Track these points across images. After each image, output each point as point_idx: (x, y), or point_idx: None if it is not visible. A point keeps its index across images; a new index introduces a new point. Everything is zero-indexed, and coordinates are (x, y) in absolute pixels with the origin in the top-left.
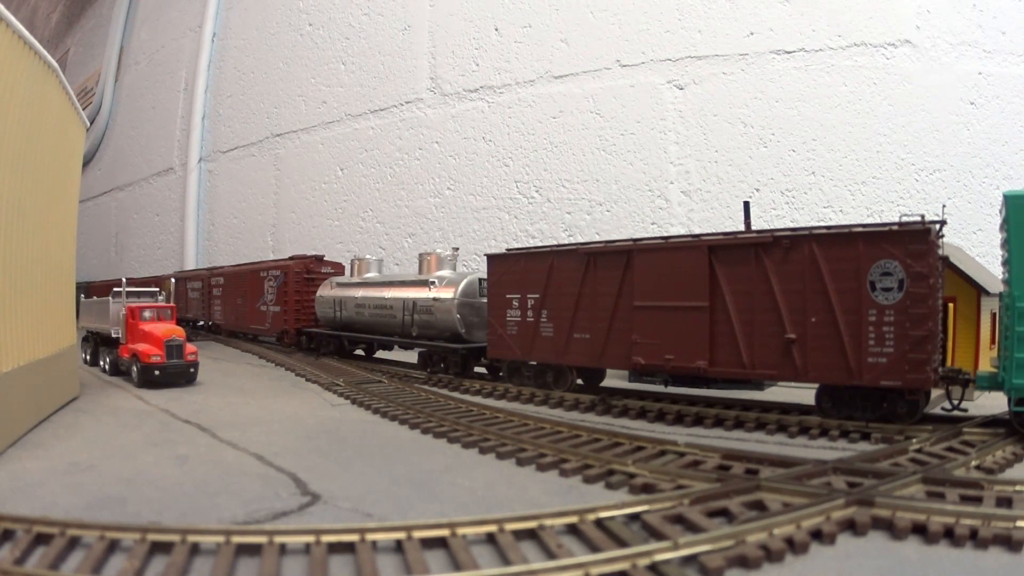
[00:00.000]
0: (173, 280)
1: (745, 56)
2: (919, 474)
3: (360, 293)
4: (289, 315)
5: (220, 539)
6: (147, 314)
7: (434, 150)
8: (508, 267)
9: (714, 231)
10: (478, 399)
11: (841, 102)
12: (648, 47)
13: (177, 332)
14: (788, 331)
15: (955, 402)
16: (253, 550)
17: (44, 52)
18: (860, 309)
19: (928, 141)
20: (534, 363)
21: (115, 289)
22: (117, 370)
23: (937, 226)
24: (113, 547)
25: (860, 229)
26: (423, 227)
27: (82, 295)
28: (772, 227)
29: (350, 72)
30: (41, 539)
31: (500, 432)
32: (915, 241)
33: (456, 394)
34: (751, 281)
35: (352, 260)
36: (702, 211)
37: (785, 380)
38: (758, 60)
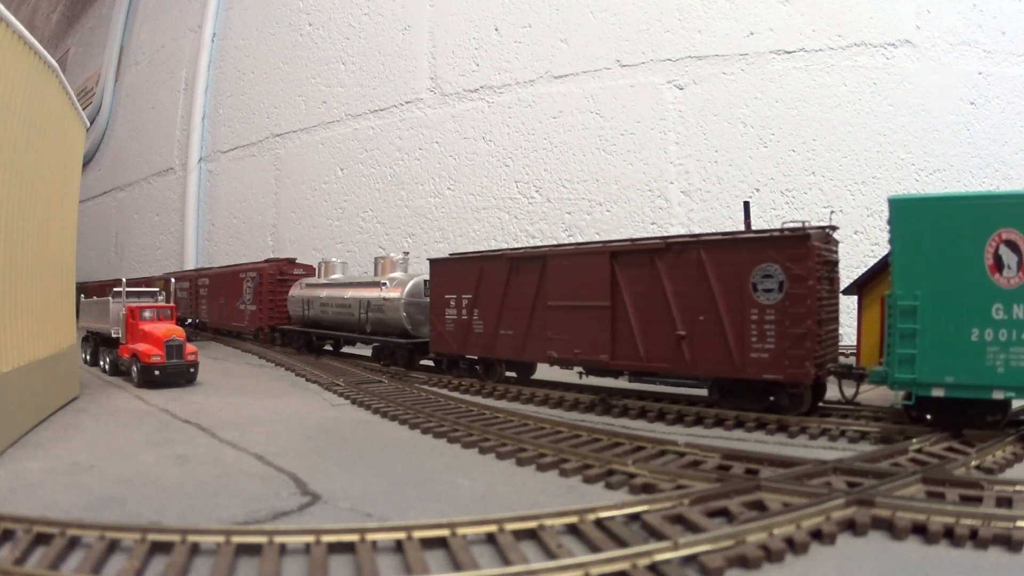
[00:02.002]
0: (173, 280)
1: (745, 56)
2: (919, 474)
3: (324, 293)
4: (264, 313)
5: (220, 539)
6: (147, 314)
7: (434, 150)
8: (447, 270)
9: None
10: (478, 399)
11: (841, 102)
12: (648, 47)
13: (177, 332)
14: (679, 328)
15: (848, 396)
16: (253, 550)
17: (44, 52)
18: (743, 309)
19: (928, 141)
20: (470, 356)
21: (115, 289)
22: (117, 370)
23: (827, 230)
24: (113, 547)
25: (744, 236)
26: (423, 227)
27: (82, 295)
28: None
29: (350, 72)
30: (41, 539)
31: (500, 432)
32: (794, 246)
33: (456, 394)
34: (647, 283)
35: (319, 262)
36: (702, 211)
37: (676, 373)
38: (758, 60)
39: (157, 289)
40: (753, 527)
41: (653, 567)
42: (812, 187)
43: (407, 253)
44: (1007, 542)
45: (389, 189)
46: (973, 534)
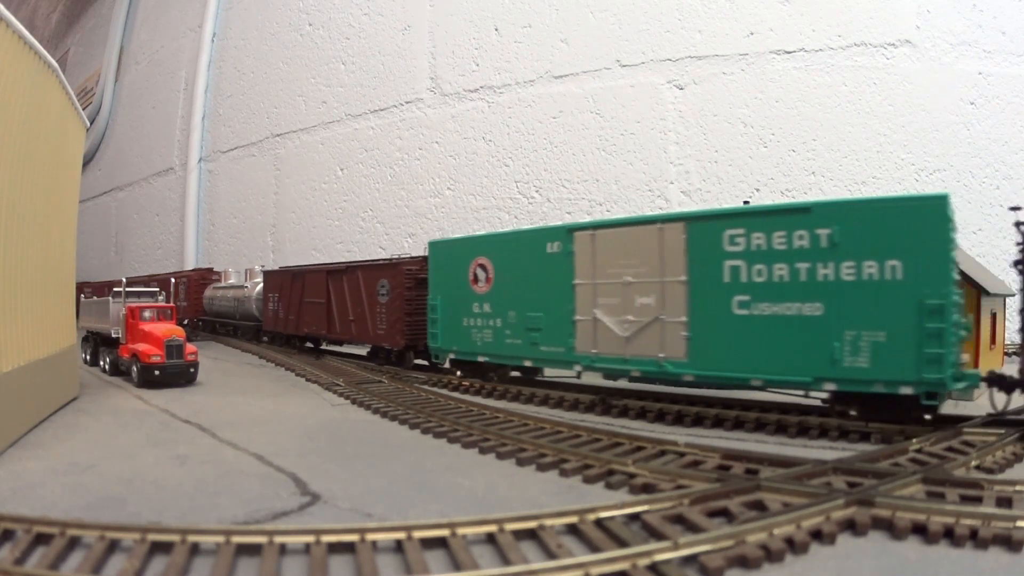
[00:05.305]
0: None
1: (745, 56)
2: (919, 474)
3: (219, 293)
4: (192, 308)
5: (220, 539)
6: (147, 314)
7: (434, 150)
8: (271, 278)
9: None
10: (478, 399)
11: (841, 102)
12: (648, 47)
13: (177, 332)
14: (350, 316)
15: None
16: (253, 550)
17: (44, 52)
18: (374, 305)
19: (928, 141)
20: (281, 333)
21: (115, 289)
22: (117, 370)
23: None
24: (113, 547)
25: (373, 262)
26: (423, 227)
27: (82, 295)
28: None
29: (350, 72)
30: (41, 539)
31: (500, 432)
32: (392, 269)
33: (456, 394)
34: (340, 289)
35: (223, 271)
36: None
37: (349, 342)
38: (758, 60)
39: (158, 289)
40: (753, 527)
41: (653, 567)
42: (812, 187)
43: (263, 266)
44: (1007, 542)
45: (389, 189)
46: (973, 534)
